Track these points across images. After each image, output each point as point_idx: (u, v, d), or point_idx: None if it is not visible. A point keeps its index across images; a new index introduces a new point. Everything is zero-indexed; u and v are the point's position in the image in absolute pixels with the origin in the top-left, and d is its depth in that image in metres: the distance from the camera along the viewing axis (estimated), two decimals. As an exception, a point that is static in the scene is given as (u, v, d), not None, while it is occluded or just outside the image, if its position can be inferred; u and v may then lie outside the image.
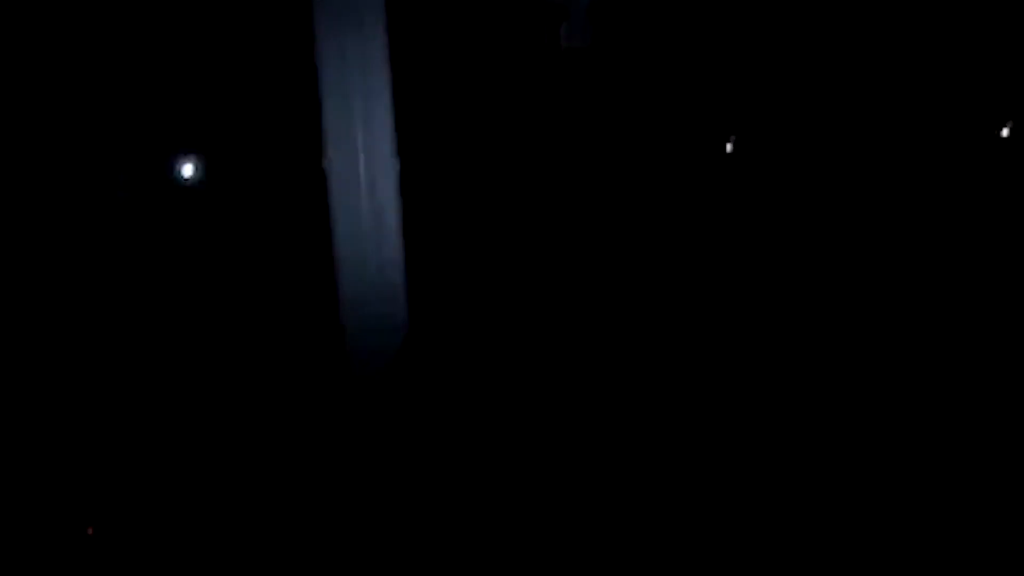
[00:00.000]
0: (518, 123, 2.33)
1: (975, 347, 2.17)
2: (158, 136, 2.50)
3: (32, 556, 1.93)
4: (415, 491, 1.94)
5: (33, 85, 2.37)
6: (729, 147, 2.16)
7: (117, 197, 2.49)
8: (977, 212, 2.35)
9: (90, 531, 2.12)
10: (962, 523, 1.77)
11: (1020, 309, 2.22)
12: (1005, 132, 2.30)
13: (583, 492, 1.88)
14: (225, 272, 2.62)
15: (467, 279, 2.34)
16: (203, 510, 2.10)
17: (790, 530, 1.78)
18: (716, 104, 2.31)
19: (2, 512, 2.07)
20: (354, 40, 2.44)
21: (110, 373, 2.48)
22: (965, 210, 2.35)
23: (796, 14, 2.31)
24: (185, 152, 2.55)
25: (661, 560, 1.74)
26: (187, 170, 2.55)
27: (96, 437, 2.36)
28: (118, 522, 2.08)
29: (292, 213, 2.59)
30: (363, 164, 2.52)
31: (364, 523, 1.93)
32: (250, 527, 2.03)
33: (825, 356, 2.16)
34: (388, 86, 2.46)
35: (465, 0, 2.28)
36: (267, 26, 2.45)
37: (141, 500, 2.14)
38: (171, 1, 2.42)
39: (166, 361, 2.55)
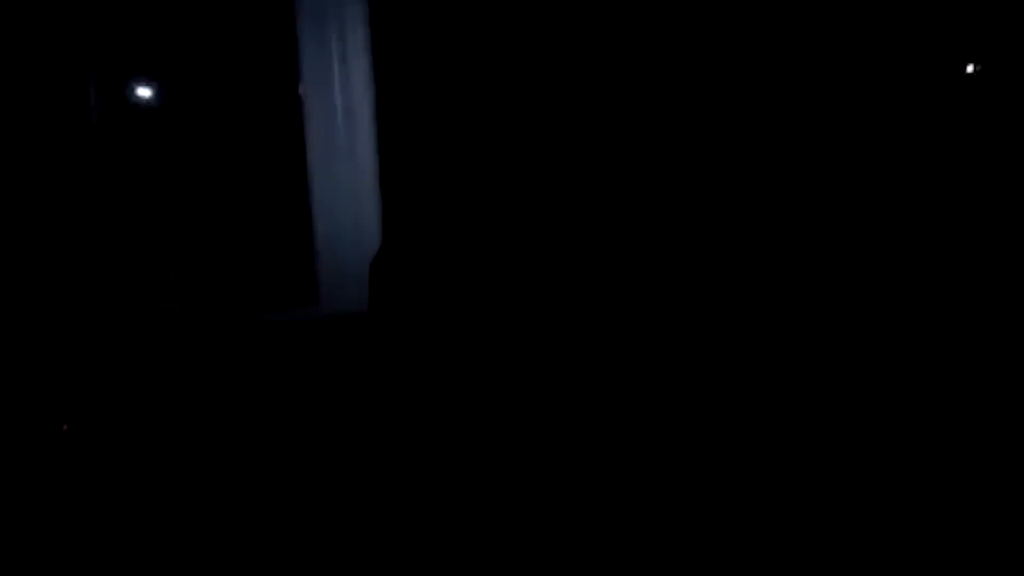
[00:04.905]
0: (495, 50, 2.28)
1: (971, 337, 2.16)
2: (131, 57, 2.47)
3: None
4: (383, 431, 1.92)
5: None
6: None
7: (89, 116, 2.43)
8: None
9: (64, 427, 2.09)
10: (962, 523, 1.77)
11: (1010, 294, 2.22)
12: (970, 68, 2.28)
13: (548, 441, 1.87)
14: (197, 197, 2.58)
15: (442, 211, 2.31)
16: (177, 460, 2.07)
17: (790, 530, 1.77)
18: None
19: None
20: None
21: (76, 299, 2.41)
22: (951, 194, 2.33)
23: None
24: (158, 75, 2.50)
25: (655, 556, 1.73)
26: (151, 93, 2.52)
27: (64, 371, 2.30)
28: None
29: (267, 138, 2.56)
30: (339, 91, 2.49)
31: (334, 465, 1.91)
32: (217, 470, 2.01)
33: (817, 347, 2.15)
34: (365, 15, 2.44)
35: None
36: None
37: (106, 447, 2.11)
38: None
39: (136, 283, 2.51)
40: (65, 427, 2.10)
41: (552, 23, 2.21)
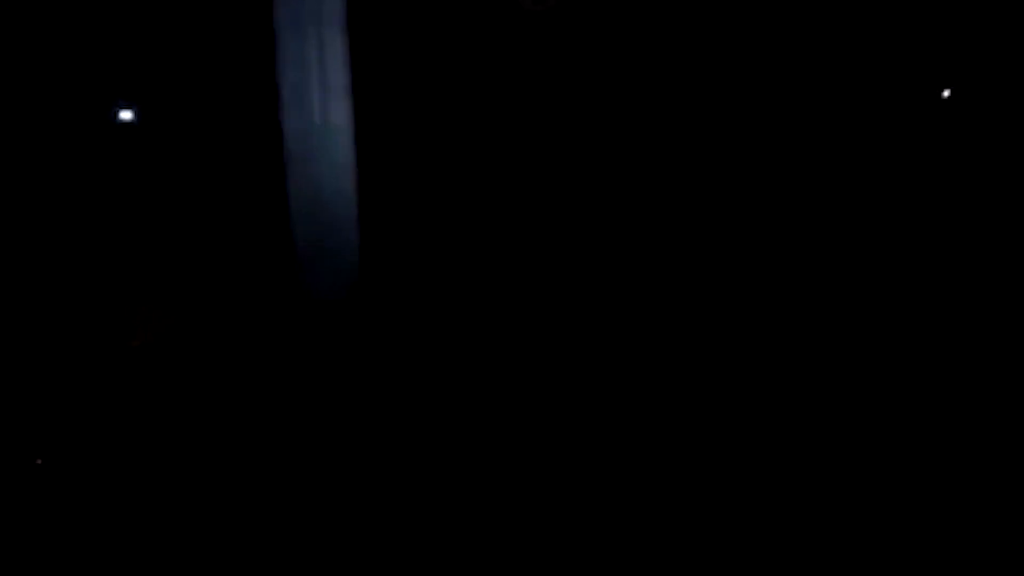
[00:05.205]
0: (471, 48, 2.29)
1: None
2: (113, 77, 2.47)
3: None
4: (367, 411, 1.93)
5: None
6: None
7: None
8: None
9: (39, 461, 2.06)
10: (962, 523, 1.77)
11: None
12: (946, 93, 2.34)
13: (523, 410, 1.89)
14: (181, 194, 2.57)
15: (418, 202, 2.32)
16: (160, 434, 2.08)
17: (790, 529, 1.77)
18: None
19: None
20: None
21: (71, 288, 2.39)
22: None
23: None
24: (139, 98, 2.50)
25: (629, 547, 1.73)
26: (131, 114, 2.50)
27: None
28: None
29: (245, 133, 2.55)
30: (316, 82, 2.46)
31: (317, 440, 1.92)
32: (205, 446, 2.01)
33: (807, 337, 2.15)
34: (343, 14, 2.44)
35: None
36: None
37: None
38: None
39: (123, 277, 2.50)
40: (39, 461, 2.08)
41: (540, 17, 2.20)
